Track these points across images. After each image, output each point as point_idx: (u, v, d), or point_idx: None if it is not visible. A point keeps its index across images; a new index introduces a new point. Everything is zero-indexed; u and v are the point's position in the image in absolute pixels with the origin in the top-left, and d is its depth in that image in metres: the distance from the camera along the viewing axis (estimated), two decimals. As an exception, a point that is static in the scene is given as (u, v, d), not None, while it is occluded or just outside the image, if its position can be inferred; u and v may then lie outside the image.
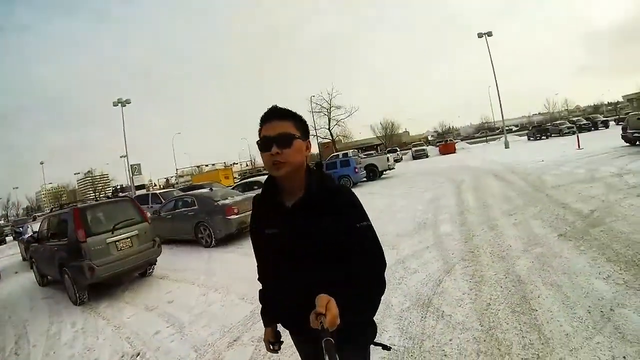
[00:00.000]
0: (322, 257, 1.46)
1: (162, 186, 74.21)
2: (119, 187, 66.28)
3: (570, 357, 2.80)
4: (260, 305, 1.86)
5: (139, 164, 38.25)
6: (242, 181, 16.52)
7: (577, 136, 21.30)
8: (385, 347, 1.57)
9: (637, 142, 14.66)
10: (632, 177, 8.81)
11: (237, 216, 9.38)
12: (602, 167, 11.11)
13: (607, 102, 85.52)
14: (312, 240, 1.45)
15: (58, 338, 5.35)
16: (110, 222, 6.71)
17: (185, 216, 10.13)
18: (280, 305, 1.64)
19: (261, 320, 1.83)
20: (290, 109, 1.58)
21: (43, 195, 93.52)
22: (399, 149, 42.09)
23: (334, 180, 1.61)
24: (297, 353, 1.80)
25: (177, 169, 66.03)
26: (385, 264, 1.48)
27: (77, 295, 6.51)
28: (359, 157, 24.39)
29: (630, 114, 18.90)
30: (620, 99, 75.71)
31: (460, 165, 21.90)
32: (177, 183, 59.56)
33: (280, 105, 1.55)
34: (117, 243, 6.62)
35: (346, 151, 30.02)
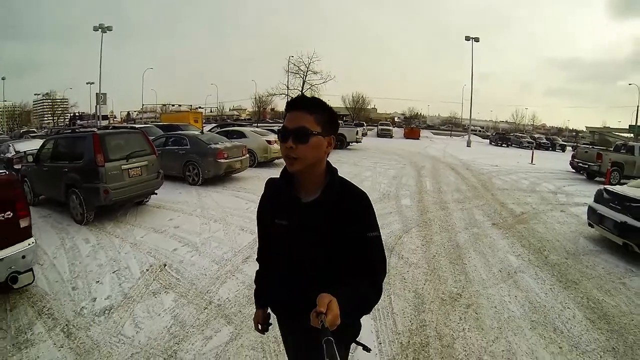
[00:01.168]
0: (326, 259, 1.49)
1: (123, 119, 72.10)
2: (77, 114, 63.76)
3: (483, 290, 4.48)
4: (255, 286, 1.93)
5: (105, 94, 37.79)
6: (223, 129, 17.38)
7: (533, 152, 23.54)
8: (366, 348, 1.65)
9: (581, 171, 16.73)
10: (564, 196, 10.75)
11: (226, 160, 10.58)
12: (543, 182, 13.11)
13: (571, 128, 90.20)
14: (320, 241, 1.48)
15: (77, 251, 5.71)
16: (125, 151, 7.50)
17: (176, 154, 10.98)
18: (277, 292, 1.68)
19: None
20: (320, 100, 1.55)
21: None
22: (365, 124, 43.58)
23: (354, 184, 1.60)
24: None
25: (143, 104, 64.86)
26: (385, 274, 1.53)
27: (86, 215, 7.00)
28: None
29: (580, 145, 21.27)
30: (584, 129, 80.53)
31: (422, 152, 24.06)
32: (140, 119, 58.62)
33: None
34: (129, 170, 7.41)
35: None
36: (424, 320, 3.85)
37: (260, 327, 1.89)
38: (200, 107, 67.96)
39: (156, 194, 8.36)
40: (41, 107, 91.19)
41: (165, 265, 5.15)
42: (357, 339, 1.67)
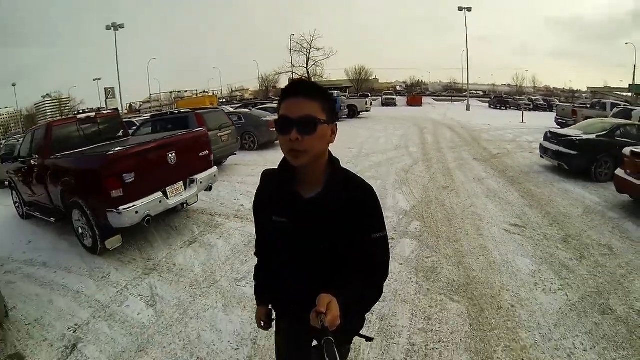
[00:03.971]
0: (328, 257, 1.47)
1: (126, 111, 75.69)
2: (82, 110, 65.88)
3: (461, 185, 8.16)
4: (255, 282, 1.89)
5: (113, 88, 40.56)
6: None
7: (523, 112, 26.81)
8: (369, 339, 1.63)
9: (561, 126, 20.00)
10: (537, 144, 14.18)
11: (274, 129, 13.95)
12: (525, 136, 16.59)
13: (575, 89, 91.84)
14: (322, 240, 1.44)
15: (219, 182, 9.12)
16: (216, 123, 10.79)
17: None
18: (276, 288, 1.67)
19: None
20: (319, 85, 1.46)
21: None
22: (370, 95, 46.90)
23: (358, 176, 1.54)
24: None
25: (150, 94, 67.79)
26: (387, 276, 1.52)
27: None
28: (343, 97, 29.35)
29: (559, 104, 24.64)
30: (585, 89, 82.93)
31: (424, 116, 27.92)
32: (150, 108, 61.58)
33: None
34: (221, 137, 10.71)
35: (332, 91, 34.56)
36: (428, 194, 7.58)
37: (263, 324, 1.87)
38: (205, 92, 70.72)
39: (235, 154, 11.84)
40: (45, 109, 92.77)
41: None
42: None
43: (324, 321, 1.14)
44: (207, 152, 6.78)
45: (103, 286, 4.75)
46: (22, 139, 9.94)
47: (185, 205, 6.43)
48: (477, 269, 4.53)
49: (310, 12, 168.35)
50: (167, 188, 5.74)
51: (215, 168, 7.02)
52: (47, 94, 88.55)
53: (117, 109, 10.70)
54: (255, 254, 1.86)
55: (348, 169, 1.55)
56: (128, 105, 76.67)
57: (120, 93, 44.40)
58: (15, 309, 4.45)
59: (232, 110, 17.09)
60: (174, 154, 5.77)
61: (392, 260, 4.56)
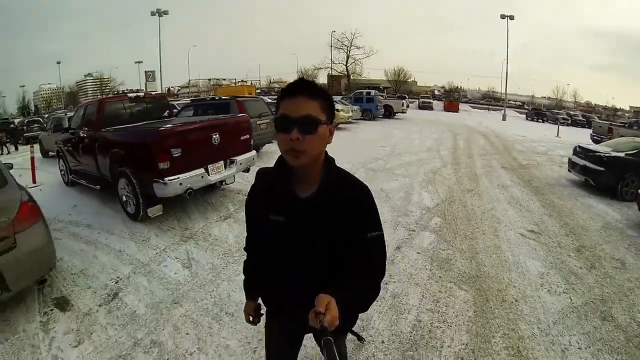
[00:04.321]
0: (324, 256, 1.48)
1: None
2: (121, 91, 67.70)
3: (485, 190, 8.35)
4: (244, 277, 1.90)
5: (153, 71, 41.61)
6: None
7: (558, 126, 26.46)
8: (360, 339, 1.60)
9: (597, 144, 19.83)
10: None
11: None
12: (557, 150, 16.45)
13: (618, 107, 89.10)
14: (319, 239, 1.45)
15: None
16: (256, 112, 11.35)
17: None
18: (271, 287, 1.68)
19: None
20: (319, 86, 1.46)
21: (41, 97, 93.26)
22: (407, 97, 46.90)
23: (353, 175, 1.56)
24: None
25: (189, 80, 69.04)
26: (384, 274, 1.53)
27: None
28: (380, 97, 29.56)
29: (596, 121, 24.23)
30: (627, 108, 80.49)
31: (459, 122, 27.88)
32: (188, 94, 62.79)
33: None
34: (260, 125, 11.22)
35: (370, 90, 34.64)
36: (452, 195, 7.82)
37: (251, 318, 1.89)
38: (244, 81, 71.54)
39: (272, 142, 12.17)
40: (86, 87, 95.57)
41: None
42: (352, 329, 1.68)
43: (323, 321, 1.16)
44: (247, 136, 7.25)
45: (143, 248, 5.27)
46: (73, 113, 10.67)
47: (223, 184, 7.03)
48: (488, 265, 4.79)
49: (354, 8, 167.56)
50: (209, 165, 6.19)
51: (254, 152, 7.48)
52: (89, 73, 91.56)
53: (153, 92, 11.18)
54: (244, 249, 1.88)
55: (344, 169, 1.57)
56: (167, 89, 78.51)
57: (160, 77, 45.71)
58: (61, 260, 4.95)
59: (270, 101, 17.54)
60: (217, 135, 6.23)
61: (410, 248, 5.08)
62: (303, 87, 1.39)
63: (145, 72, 39.95)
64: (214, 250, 5.16)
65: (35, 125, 25.44)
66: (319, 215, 1.45)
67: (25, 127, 25.64)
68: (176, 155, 5.61)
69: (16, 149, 21.14)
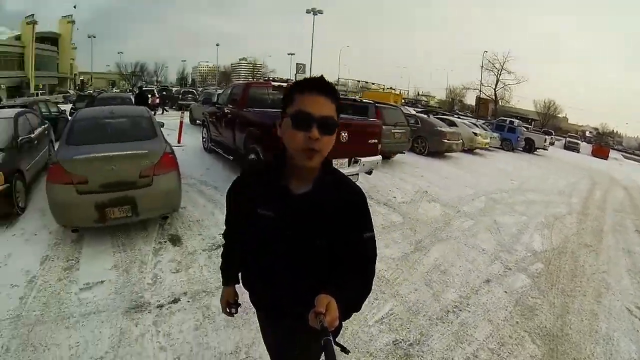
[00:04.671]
0: (315, 254, 1.48)
1: None
2: (271, 78, 70.96)
3: (605, 250, 7.54)
4: (222, 263, 1.90)
5: (304, 64, 43.53)
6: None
7: None
8: (344, 350, 1.51)
9: None
10: None
11: (448, 141, 14.42)
12: None
13: None
14: (310, 237, 1.46)
15: (383, 174, 10.06)
16: (393, 120, 11.60)
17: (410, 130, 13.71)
18: (260, 287, 1.66)
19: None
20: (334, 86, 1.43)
21: (198, 72, 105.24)
22: (553, 133, 43.87)
23: (348, 178, 1.58)
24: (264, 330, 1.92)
25: (338, 79, 71.25)
26: (374, 274, 1.56)
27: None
28: (523, 128, 28.26)
29: None
30: None
31: (604, 170, 25.17)
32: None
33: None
34: (395, 133, 11.43)
35: (513, 119, 33.12)
36: (566, 246, 7.25)
37: (228, 309, 1.86)
38: (392, 88, 72.29)
39: (404, 153, 12.51)
40: (240, 70, 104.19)
41: (426, 191, 9.22)
42: (336, 340, 1.51)
43: (323, 321, 1.17)
44: (375, 141, 7.60)
45: None
46: (222, 90, 12.23)
47: None
48: (574, 329, 4.44)
49: (512, 30, 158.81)
50: (332, 160, 6.72)
51: (379, 157, 7.84)
52: (244, 58, 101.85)
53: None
54: (223, 236, 1.91)
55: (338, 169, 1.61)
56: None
57: (310, 70, 48.01)
58: (185, 208, 6.13)
59: (412, 112, 17.96)
60: (346, 134, 6.63)
61: (499, 285, 5.12)
62: (326, 86, 1.40)
63: (297, 64, 42.02)
64: None
65: (189, 95, 29.13)
66: (316, 212, 1.46)
67: (180, 96, 29.57)
68: None
69: (162, 112, 24.72)
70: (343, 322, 1.52)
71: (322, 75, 1.42)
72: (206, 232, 5.51)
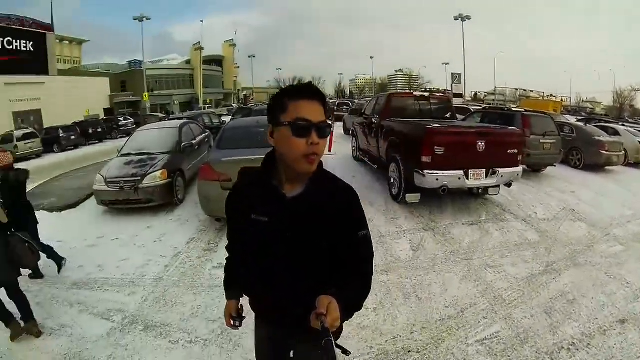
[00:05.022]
0: (312, 256, 1.47)
1: (469, 99, 77.09)
2: (429, 89, 68.98)
3: None
4: (225, 275, 1.89)
5: (459, 74, 41.94)
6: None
7: None
8: (345, 352, 1.47)
9: None
10: None
11: (607, 153, 12.28)
12: None
13: None
14: (308, 239, 1.45)
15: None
16: (542, 130, 10.38)
17: (562, 140, 11.89)
18: (263, 286, 1.61)
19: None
20: None
21: (355, 84, 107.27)
22: None
23: (340, 178, 1.58)
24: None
25: (495, 87, 67.62)
26: (372, 272, 1.56)
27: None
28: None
29: None
30: None
31: None
32: (493, 101, 61.55)
33: None
34: (544, 144, 10.23)
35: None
36: None
37: (233, 322, 1.81)
38: (552, 96, 66.24)
39: (554, 166, 11.01)
40: (396, 82, 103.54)
41: (573, 209, 7.78)
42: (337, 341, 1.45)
43: (324, 322, 1.16)
44: (516, 151, 7.11)
45: (389, 224, 6.32)
46: (368, 101, 12.76)
47: (483, 190, 7.10)
48: None
49: None
50: (469, 170, 6.54)
51: (520, 168, 7.30)
52: (400, 69, 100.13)
53: (459, 94, 11.90)
54: (226, 248, 1.87)
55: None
56: (473, 93, 78.13)
57: (464, 80, 46.42)
58: None
59: (569, 120, 16.17)
60: (483, 143, 6.47)
61: (636, 328, 4.04)
62: (317, 92, 1.42)
63: (452, 74, 41.27)
64: (445, 246, 5.64)
65: (344, 107, 30.15)
66: (311, 214, 1.45)
67: (335, 107, 30.55)
68: (438, 153, 6.25)
69: None
70: (344, 324, 1.44)
71: (310, 82, 1.50)
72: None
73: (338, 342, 1.42)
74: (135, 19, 43.16)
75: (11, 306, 3.73)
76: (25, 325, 3.73)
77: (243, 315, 1.84)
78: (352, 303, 1.41)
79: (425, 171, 6.27)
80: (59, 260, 5.24)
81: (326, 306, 1.20)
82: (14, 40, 35.01)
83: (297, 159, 1.37)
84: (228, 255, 1.87)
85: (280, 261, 1.50)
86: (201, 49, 69.01)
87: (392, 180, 7.46)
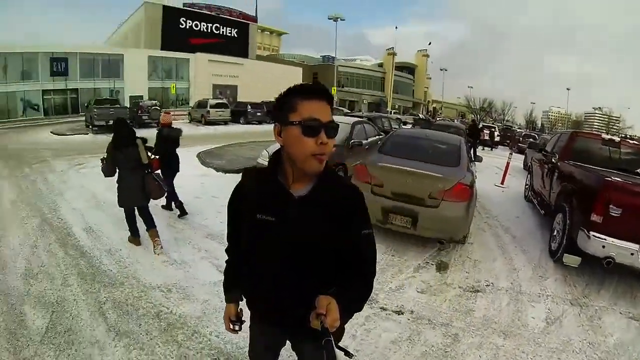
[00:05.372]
0: (318, 256, 1.46)
1: None
2: (628, 135, 59.95)
3: None
4: (225, 279, 1.85)
5: None
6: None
7: None
8: (348, 354, 1.41)
9: None
10: None
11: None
12: None
13: None
14: (314, 238, 1.44)
15: None
16: None
17: None
18: (258, 291, 1.63)
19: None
20: None
21: (548, 117, 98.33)
22: None
23: (343, 177, 1.53)
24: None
25: None
26: (375, 273, 1.55)
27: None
28: None
29: None
30: None
31: None
32: None
33: None
34: None
35: None
36: None
37: (232, 325, 1.78)
38: None
39: None
40: (593, 121, 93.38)
41: None
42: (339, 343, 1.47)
43: (324, 322, 1.17)
44: None
45: (534, 281, 5.08)
46: (551, 137, 11.41)
47: None
48: None
49: None
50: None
51: None
52: (599, 107, 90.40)
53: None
54: (226, 250, 1.83)
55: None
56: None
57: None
58: (471, 244, 6.08)
59: None
60: None
61: None
62: (326, 91, 1.42)
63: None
64: (587, 332, 4.08)
65: (530, 139, 27.68)
66: (317, 213, 1.44)
67: (520, 138, 28.04)
68: (614, 214, 4.68)
69: (491, 149, 24.95)
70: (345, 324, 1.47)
71: (317, 80, 1.54)
72: (475, 274, 5.05)
73: (340, 343, 1.43)
74: (329, 19, 44.81)
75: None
76: (148, 231, 5.14)
77: (243, 319, 1.82)
78: (352, 304, 1.42)
79: (592, 232, 4.76)
80: (183, 212, 6.56)
81: (325, 306, 1.21)
82: (221, 27, 44.25)
83: (306, 159, 1.38)
84: (228, 257, 1.85)
85: (285, 261, 1.49)
86: (394, 54, 70.11)
87: (554, 233, 5.89)
